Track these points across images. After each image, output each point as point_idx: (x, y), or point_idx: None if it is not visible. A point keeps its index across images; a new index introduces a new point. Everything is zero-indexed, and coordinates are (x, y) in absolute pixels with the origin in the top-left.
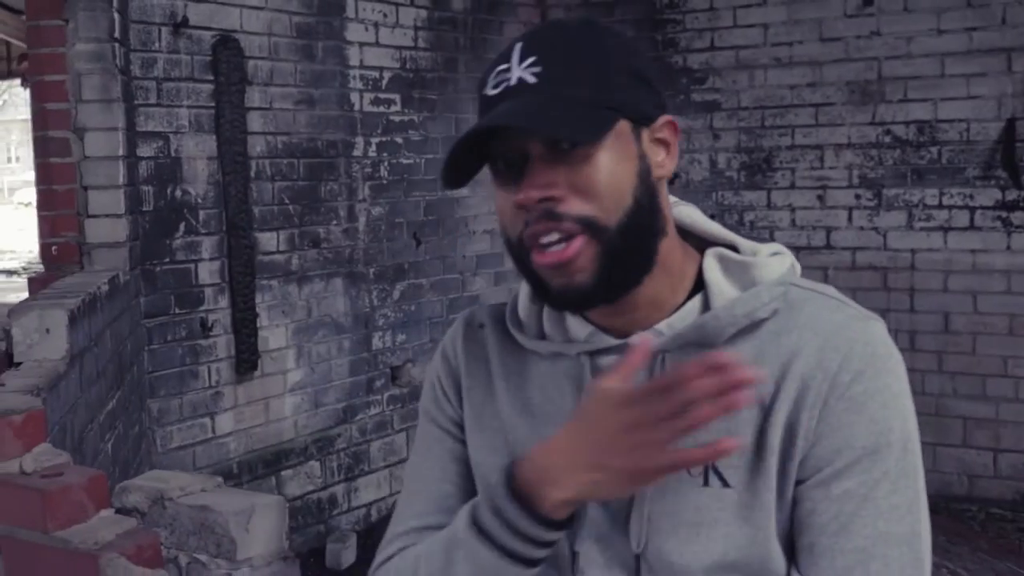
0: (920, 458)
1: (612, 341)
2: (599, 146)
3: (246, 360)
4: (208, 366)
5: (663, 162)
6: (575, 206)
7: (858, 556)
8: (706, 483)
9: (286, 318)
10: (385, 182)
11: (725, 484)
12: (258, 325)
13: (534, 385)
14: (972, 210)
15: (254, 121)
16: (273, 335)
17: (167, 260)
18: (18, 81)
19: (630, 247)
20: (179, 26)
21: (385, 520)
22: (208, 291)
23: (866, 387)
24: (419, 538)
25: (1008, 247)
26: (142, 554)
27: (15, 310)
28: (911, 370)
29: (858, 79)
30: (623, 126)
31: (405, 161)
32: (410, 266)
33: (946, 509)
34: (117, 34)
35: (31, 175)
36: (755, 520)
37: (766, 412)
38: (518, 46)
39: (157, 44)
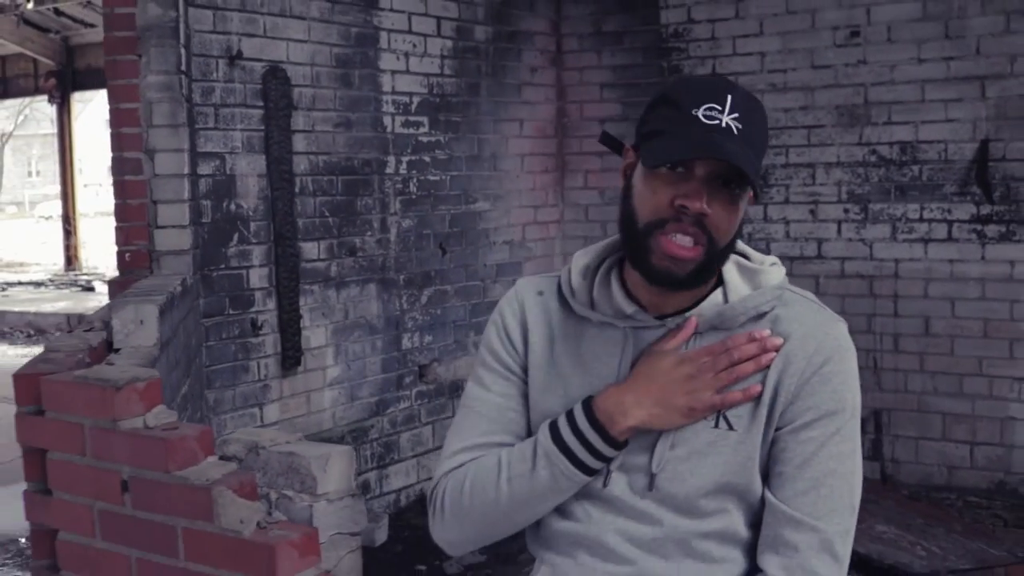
0: (859, 422)
1: (653, 321)
2: (742, 197)
3: (291, 356)
4: (257, 362)
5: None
6: (713, 228)
7: (812, 483)
8: (716, 425)
9: (326, 319)
10: (414, 197)
11: (730, 427)
12: (301, 325)
13: (586, 345)
14: (950, 223)
15: (299, 142)
16: (314, 335)
17: (223, 266)
18: (44, 97)
19: (717, 263)
20: (234, 58)
21: (415, 503)
22: (258, 294)
23: (832, 368)
24: (487, 451)
25: (983, 257)
26: (243, 489)
27: (114, 305)
28: (895, 370)
29: (846, 103)
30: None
31: (432, 178)
32: (436, 274)
33: (927, 497)
34: (183, 67)
35: (53, 188)
36: (746, 453)
37: (762, 378)
38: (729, 98)
39: (215, 74)
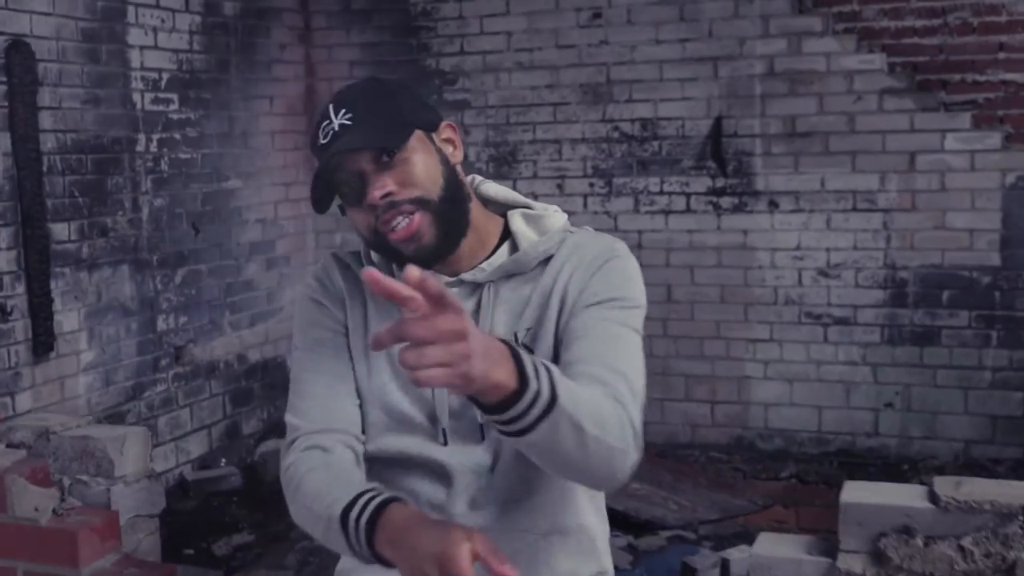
0: (643, 315)
1: (446, 278)
2: (408, 150)
3: (43, 342)
4: (7, 348)
5: (453, 153)
6: (406, 194)
7: (599, 341)
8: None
9: (78, 303)
10: (166, 176)
11: (530, 350)
12: (53, 309)
13: (394, 308)
14: (688, 196)
15: (45, 119)
16: (67, 319)
17: None
18: None
19: (453, 210)
20: None
21: (175, 488)
22: (6, 278)
23: (611, 265)
24: (319, 440)
25: (718, 227)
26: (35, 476)
27: None
28: None
29: (590, 81)
30: (419, 135)
31: (184, 156)
32: (190, 253)
33: (673, 455)
34: None
35: None
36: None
37: (547, 296)
38: (331, 106)
39: None
